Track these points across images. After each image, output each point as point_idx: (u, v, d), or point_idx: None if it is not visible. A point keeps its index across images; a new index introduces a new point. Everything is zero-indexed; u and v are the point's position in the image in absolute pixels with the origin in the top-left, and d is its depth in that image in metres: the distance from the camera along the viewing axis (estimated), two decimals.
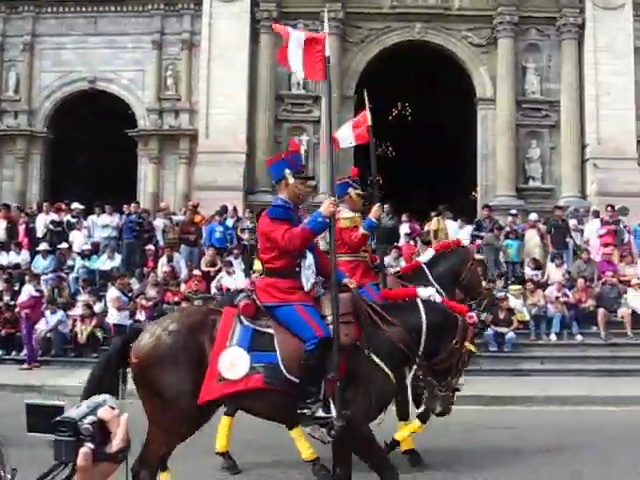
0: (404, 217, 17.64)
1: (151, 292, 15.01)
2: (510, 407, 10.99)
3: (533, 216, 17.30)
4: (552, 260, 15.97)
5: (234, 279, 15.32)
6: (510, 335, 14.08)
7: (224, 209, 17.34)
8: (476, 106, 21.41)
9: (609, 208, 17.72)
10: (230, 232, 16.79)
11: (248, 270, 15.96)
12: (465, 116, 22.54)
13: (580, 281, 15.12)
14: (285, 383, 4.65)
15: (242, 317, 4.86)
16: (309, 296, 5.05)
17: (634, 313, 14.50)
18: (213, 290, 15.12)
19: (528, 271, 15.80)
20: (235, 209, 17.51)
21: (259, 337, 4.79)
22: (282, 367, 4.64)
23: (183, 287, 15.36)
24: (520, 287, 15.16)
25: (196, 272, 15.58)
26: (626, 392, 11.55)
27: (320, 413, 4.64)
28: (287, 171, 5.09)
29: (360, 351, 4.75)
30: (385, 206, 17.13)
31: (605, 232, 17.05)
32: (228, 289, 15.01)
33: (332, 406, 4.61)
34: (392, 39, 21.21)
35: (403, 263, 15.72)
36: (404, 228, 17.18)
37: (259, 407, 4.88)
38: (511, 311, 14.36)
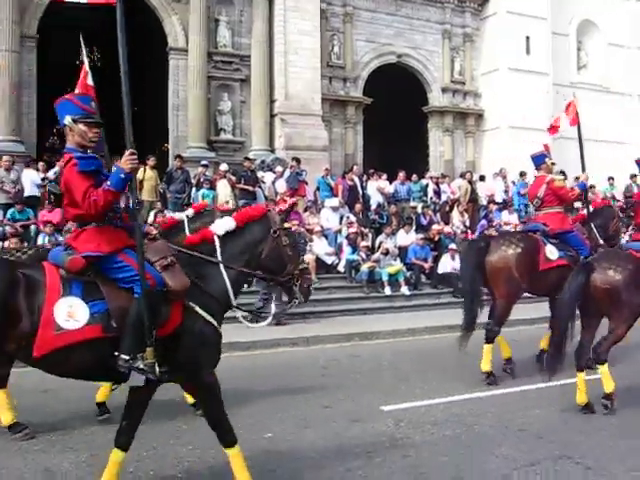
0: None
1: None
2: None
3: (223, 166, 17.48)
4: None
5: None
6: None
7: None
8: (168, 56, 20.97)
9: (294, 161, 18.56)
10: None
11: None
12: (159, 65, 21.98)
13: None
14: None
15: None
16: None
17: (318, 259, 15.39)
18: None
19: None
20: None
21: None
22: None
23: None
24: None
25: None
26: (311, 333, 12.32)
27: None
28: None
29: None
30: None
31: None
32: None
33: None
34: None
35: None
36: None
37: None
38: None
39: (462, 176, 21.30)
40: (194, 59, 20.31)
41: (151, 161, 16.73)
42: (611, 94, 28.09)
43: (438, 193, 20.16)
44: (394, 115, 25.23)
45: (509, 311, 8.70)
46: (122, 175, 4.44)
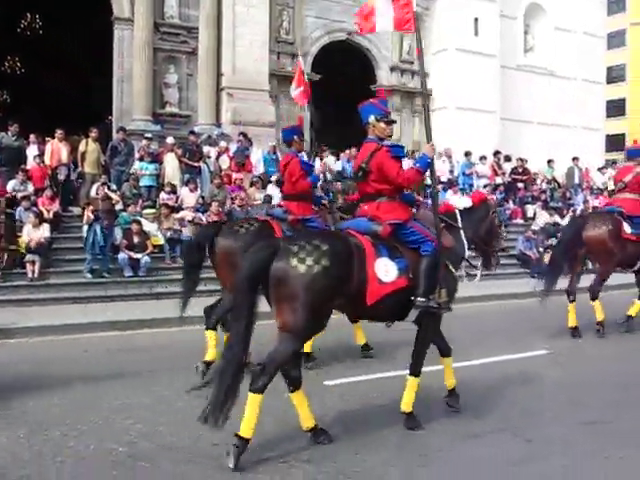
0: (32, 138, 16.39)
1: None
2: (148, 330, 10.94)
3: (170, 140, 17.20)
4: (186, 184, 16.11)
5: None
6: (145, 259, 13.97)
7: None
8: (112, 26, 20.48)
9: (241, 136, 18.40)
10: None
11: None
12: (104, 35, 21.46)
13: (213, 205, 15.49)
14: None
15: None
16: None
17: None
18: None
19: (163, 195, 15.73)
20: None
21: None
22: None
23: None
24: (154, 211, 15.10)
25: None
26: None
27: None
28: None
29: None
30: (13, 126, 15.77)
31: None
32: None
33: None
34: None
35: (31, 187, 14.73)
36: (32, 150, 15.97)
37: None
38: (146, 235, 14.24)
39: (407, 155, 21.41)
40: (140, 30, 19.93)
41: (94, 133, 16.36)
42: (556, 78, 28.56)
43: None
44: (343, 93, 25.16)
45: (609, 275, 10.52)
46: (428, 160, 5.93)
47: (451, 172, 21.47)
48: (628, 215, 10.44)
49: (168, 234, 14.77)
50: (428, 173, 6.18)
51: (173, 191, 15.87)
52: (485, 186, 20.78)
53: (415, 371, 6.03)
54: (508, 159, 22.80)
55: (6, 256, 6.35)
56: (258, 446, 5.41)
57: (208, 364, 7.58)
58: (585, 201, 22.55)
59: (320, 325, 5.39)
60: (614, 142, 49.57)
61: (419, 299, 5.68)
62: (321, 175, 8.42)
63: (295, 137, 8.65)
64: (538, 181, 22.91)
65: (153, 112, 19.98)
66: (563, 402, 6.82)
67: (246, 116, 20.61)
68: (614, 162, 32.31)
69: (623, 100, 56.05)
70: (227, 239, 7.62)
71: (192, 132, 18.20)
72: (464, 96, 24.97)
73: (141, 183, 16.05)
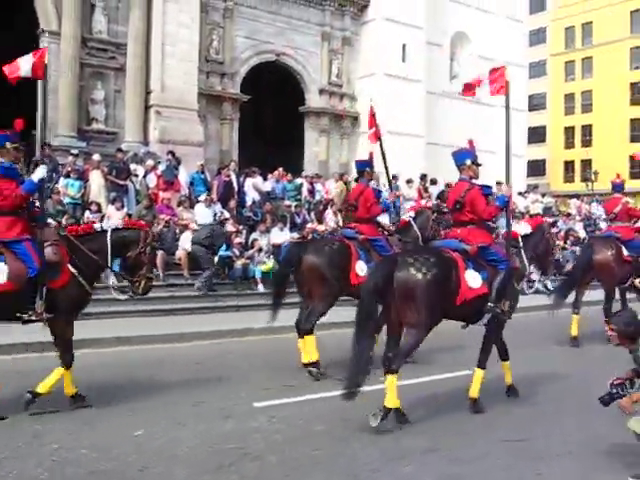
0: None
1: None
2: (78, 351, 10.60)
3: (96, 157, 16.87)
4: (112, 203, 15.82)
5: None
6: None
7: None
8: (38, 38, 20.05)
9: (170, 155, 18.21)
10: None
11: None
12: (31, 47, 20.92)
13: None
14: None
15: None
16: None
17: (190, 254, 15.12)
18: None
19: (88, 214, 15.39)
20: None
21: None
22: None
23: None
24: None
25: None
26: (185, 329, 12.10)
27: None
28: None
29: None
30: None
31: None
32: None
33: None
34: None
35: None
36: None
37: None
38: None
39: (336, 177, 21.64)
40: (67, 44, 19.58)
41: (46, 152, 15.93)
42: (481, 105, 29.28)
43: (312, 192, 20.35)
44: (273, 114, 25.30)
45: (614, 293, 12.18)
46: (506, 198, 7.62)
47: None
48: (623, 240, 12.19)
49: None
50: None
51: (98, 209, 15.55)
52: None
53: (482, 365, 7.37)
54: (434, 182, 23.21)
55: (143, 283, 7.42)
56: (186, 467, 5.34)
57: (314, 364, 8.83)
58: (508, 224, 23.22)
59: (436, 320, 6.72)
60: (535, 168, 51.23)
61: (490, 304, 7.06)
62: (391, 203, 10.51)
63: (367, 169, 10.16)
64: None
65: (79, 128, 19.62)
66: (486, 421, 6.96)
67: (174, 135, 20.47)
68: (535, 187, 33.45)
69: (543, 127, 58.07)
70: (314, 257, 9.01)
71: (119, 149, 17.92)
72: (391, 120, 25.31)
73: (66, 200, 15.67)
